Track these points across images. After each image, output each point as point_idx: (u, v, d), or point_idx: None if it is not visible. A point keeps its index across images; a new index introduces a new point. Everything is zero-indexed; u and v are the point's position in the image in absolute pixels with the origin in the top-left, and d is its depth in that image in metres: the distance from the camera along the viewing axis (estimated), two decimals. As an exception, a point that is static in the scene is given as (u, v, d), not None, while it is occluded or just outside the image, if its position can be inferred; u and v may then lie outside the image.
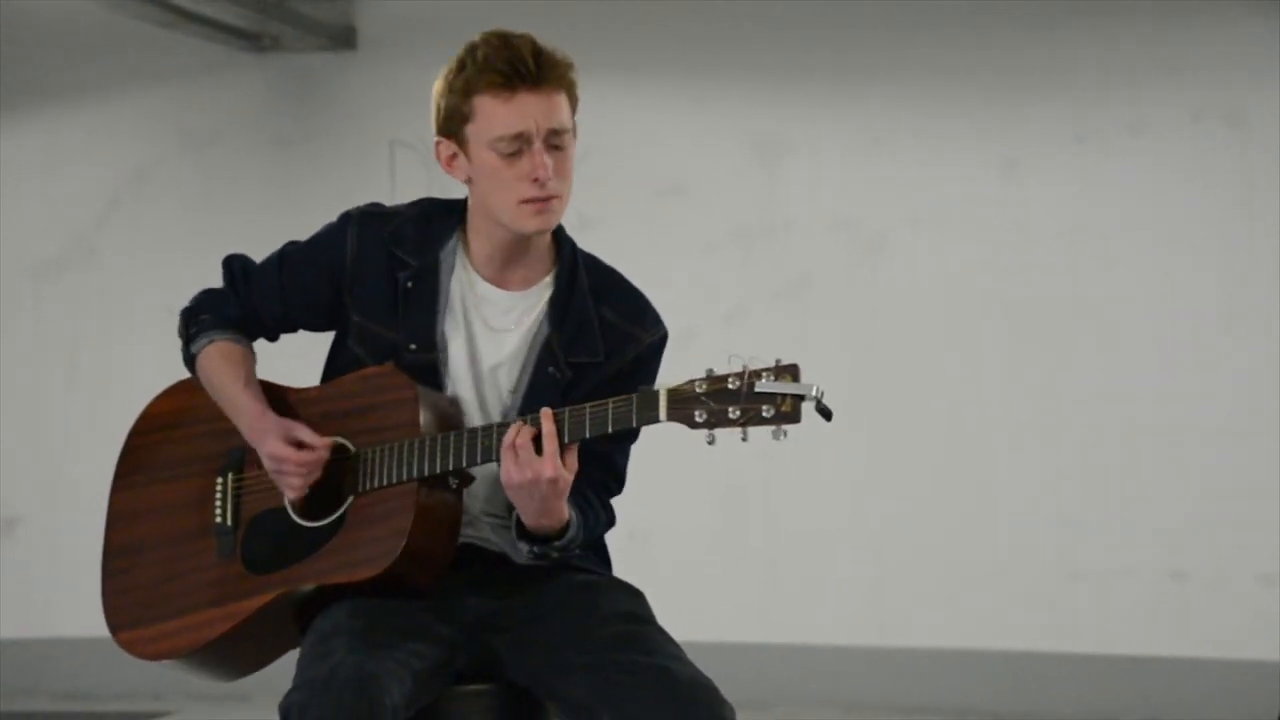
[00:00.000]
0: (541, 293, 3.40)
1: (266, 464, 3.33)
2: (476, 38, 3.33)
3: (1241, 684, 6.67)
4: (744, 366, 3.09)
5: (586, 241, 3.53)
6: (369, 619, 3.21)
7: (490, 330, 3.38)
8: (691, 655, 3.28)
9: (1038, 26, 6.99)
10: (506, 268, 3.38)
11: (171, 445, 3.46)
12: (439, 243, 3.40)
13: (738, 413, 3.07)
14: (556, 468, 3.15)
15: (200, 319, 3.48)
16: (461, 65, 3.32)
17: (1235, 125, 6.85)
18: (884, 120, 7.10)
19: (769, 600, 7.09)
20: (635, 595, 3.40)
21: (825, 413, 3.08)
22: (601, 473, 3.39)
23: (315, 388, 3.40)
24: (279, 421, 3.34)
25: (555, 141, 3.30)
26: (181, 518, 3.41)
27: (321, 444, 3.31)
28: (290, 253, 3.47)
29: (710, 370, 3.11)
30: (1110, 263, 6.94)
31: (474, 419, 3.36)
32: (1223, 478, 6.82)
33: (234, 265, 3.51)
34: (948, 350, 7.04)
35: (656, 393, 3.12)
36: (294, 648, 3.39)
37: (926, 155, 7.07)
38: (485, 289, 3.39)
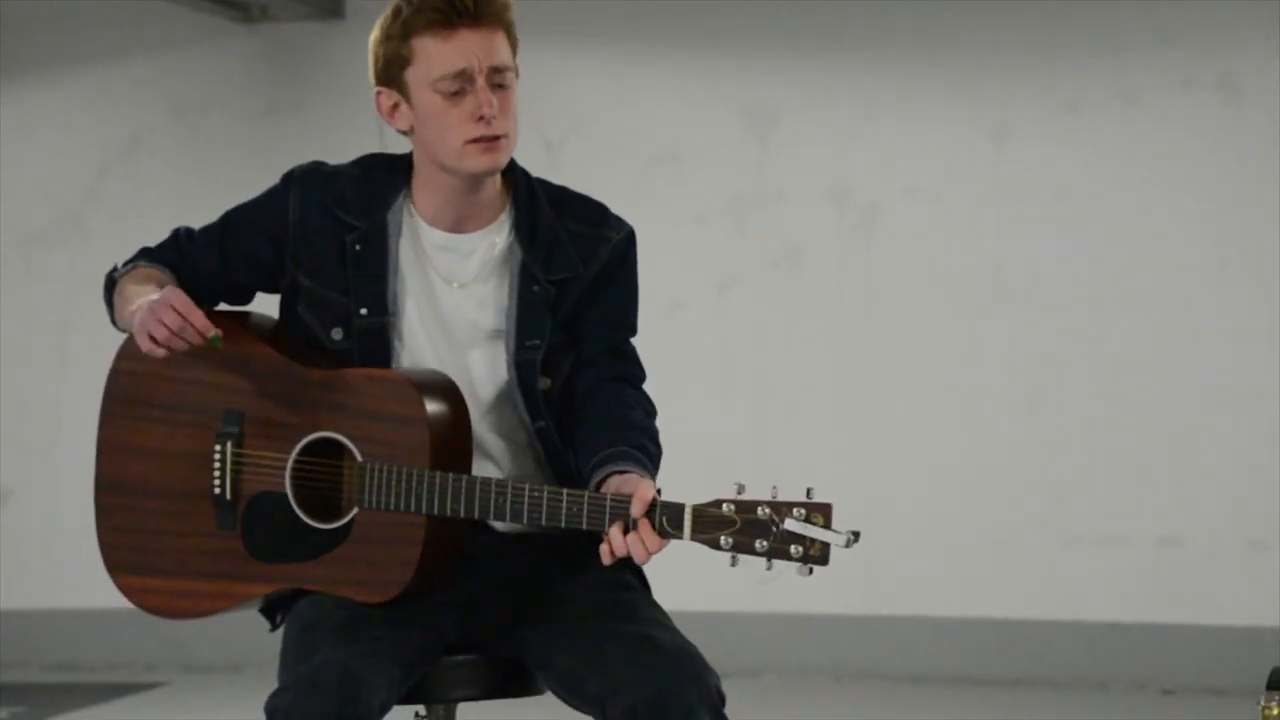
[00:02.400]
0: (500, 227, 3.37)
1: (161, 311, 3.23)
2: None
3: (1234, 650, 6.67)
4: (774, 493, 3.06)
5: (577, 211, 3.52)
6: (354, 609, 3.21)
7: (449, 285, 3.35)
8: (682, 624, 3.28)
9: (1029, -6, 6.99)
10: (460, 216, 3.35)
11: (163, 383, 3.40)
12: (385, 203, 3.36)
13: (765, 546, 3.05)
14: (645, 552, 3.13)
15: (130, 261, 3.45)
16: (397, 11, 3.29)
17: (1227, 92, 6.84)
18: (876, 89, 7.09)
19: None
20: (623, 561, 3.39)
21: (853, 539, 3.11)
22: (625, 366, 3.40)
23: (317, 370, 3.32)
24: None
25: (498, 80, 3.27)
26: (177, 470, 3.38)
27: (201, 325, 3.22)
28: (232, 214, 3.44)
29: (740, 487, 3.07)
30: (1103, 230, 6.94)
31: (444, 374, 3.31)
32: (1216, 444, 6.82)
33: (179, 231, 3.49)
34: (940, 319, 7.04)
35: (681, 508, 3.09)
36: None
37: (919, 124, 7.06)
38: (441, 238, 3.35)
